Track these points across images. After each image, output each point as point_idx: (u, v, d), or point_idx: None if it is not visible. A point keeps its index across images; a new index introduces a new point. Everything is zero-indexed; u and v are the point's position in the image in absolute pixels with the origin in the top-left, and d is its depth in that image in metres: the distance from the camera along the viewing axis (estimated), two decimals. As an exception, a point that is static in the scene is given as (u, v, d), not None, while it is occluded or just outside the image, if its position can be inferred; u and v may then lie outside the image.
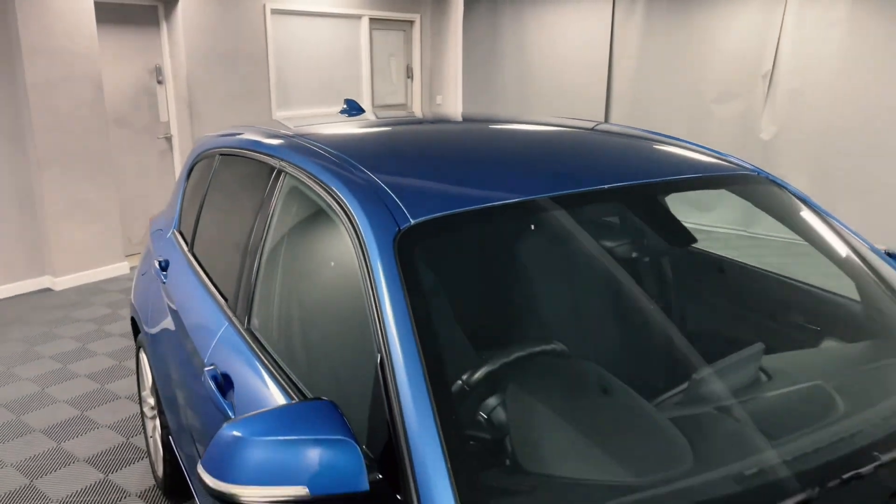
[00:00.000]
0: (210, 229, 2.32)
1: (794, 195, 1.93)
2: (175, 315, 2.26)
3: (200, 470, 1.10)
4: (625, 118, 7.30)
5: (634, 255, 1.84)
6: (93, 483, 2.83)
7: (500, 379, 1.40)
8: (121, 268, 5.56)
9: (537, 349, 1.44)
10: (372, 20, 7.52)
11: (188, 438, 2.09)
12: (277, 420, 1.10)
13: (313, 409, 1.12)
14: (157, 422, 2.64)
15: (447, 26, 8.18)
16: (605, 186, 1.62)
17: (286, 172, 1.80)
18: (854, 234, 1.89)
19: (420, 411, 1.12)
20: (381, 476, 1.13)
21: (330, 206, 1.54)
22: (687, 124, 6.92)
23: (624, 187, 1.64)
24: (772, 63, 6.34)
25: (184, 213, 2.69)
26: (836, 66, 6.05)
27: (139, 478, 2.86)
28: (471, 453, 1.11)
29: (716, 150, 2.07)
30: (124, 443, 3.12)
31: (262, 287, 1.77)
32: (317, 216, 1.64)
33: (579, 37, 7.40)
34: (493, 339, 1.54)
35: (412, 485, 1.08)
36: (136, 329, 2.94)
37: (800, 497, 1.07)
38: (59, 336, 4.33)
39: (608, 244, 1.78)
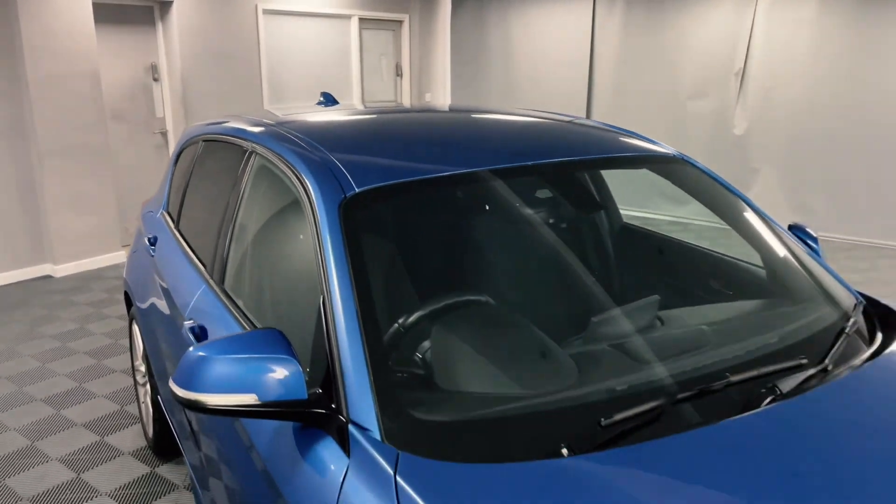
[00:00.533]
0: (193, 206, 2.58)
1: (709, 175, 2.18)
2: (162, 284, 2.52)
3: (172, 384, 1.35)
4: (605, 114, 7.56)
5: (552, 220, 2.09)
6: (89, 444, 3.09)
7: (432, 323, 1.66)
8: (118, 256, 5.82)
9: (462, 299, 1.70)
10: (361, 20, 7.78)
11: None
12: (234, 343, 1.35)
13: (263, 335, 1.37)
14: (148, 386, 2.90)
15: (435, 26, 8.44)
16: (530, 163, 1.87)
17: (256, 153, 2.06)
18: (758, 209, 2.14)
19: (351, 339, 1.38)
20: (320, 390, 1.39)
21: (290, 180, 1.80)
22: (664, 120, 7.18)
23: (553, 163, 1.90)
24: (743, 61, 6.60)
25: (171, 195, 2.95)
26: (805, 65, 6.31)
27: (132, 440, 3.12)
28: (393, 373, 1.36)
29: (649, 137, 2.32)
30: (119, 410, 3.38)
31: (234, 251, 2.03)
32: (280, 189, 1.89)
33: (562, 36, 7.65)
34: (427, 290, 1.79)
35: (342, 395, 1.33)
36: (129, 303, 3.20)
37: (656, 403, 1.32)
38: (59, 318, 4.59)
39: (535, 212, 2.04)
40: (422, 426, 1.28)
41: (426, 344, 1.66)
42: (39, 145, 5.23)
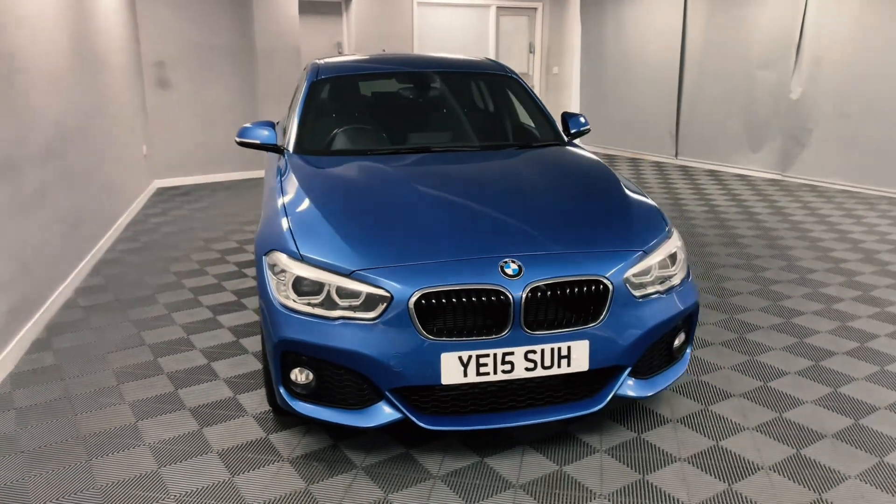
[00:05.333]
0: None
1: (524, 86, 4.13)
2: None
3: (236, 138, 3.75)
4: (693, 78, 8.91)
5: (416, 95, 4.18)
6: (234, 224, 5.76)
7: (344, 134, 3.88)
8: (304, 171, 8.71)
9: (358, 126, 3.90)
10: (499, 8, 9.92)
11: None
12: (257, 124, 3.72)
13: (266, 122, 3.72)
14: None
15: (566, 12, 10.30)
16: (427, 70, 4.03)
17: (310, 66, 4.43)
18: (536, 98, 4.04)
19: (296, 121, 3.68)
20: (281, 143, 3.72)
21: (307, 73, 4.13)
22: (736, 86, 8.43)
23: (436, 70, 4.06)
24: (798, 36, 7.65)
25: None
26: (849, 37, 7.27)
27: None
28: (302, 137, 3.62)
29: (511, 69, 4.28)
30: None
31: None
32: (304, 78, 4.24)
33: (660, 20, 9.14)
34: (339, 118, 4.01)
35: (286, 142, 3.64)
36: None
37: (394, 150, 3.45)
38: (255, 187, 7.49)
39: (414, 93, 4.16)
40: (306, 148, 3.56)
41: (331, 135, 3.88)
42: (262, 90, 8.22)
